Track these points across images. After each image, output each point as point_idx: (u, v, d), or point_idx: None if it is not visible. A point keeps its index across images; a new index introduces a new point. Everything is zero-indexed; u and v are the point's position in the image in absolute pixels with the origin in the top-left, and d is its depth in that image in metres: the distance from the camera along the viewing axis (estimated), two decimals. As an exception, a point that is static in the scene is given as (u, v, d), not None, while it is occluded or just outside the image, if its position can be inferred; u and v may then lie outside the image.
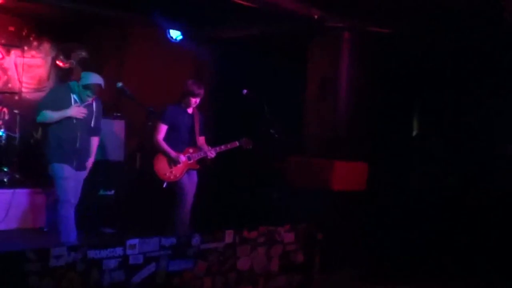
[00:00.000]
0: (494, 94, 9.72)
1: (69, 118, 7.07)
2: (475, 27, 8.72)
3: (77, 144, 7.16)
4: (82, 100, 7.16)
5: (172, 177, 7.93)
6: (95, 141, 7.58)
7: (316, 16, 8.63)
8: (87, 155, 7.42)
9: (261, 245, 6.85)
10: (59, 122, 7.06)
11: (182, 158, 7.95)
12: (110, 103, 7.59)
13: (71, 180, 7.13)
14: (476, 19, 8.44)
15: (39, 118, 7.11)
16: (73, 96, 7.13)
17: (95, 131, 7.51)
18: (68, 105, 7.08)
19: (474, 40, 9.11)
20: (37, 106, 7.18)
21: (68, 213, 7.07)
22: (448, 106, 10.17)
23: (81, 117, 7.11)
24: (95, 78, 7.18)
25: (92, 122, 7.36)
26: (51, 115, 7.03)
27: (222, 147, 8.24)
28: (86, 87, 7.09)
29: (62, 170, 7.08)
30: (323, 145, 8.91)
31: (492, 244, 8.93)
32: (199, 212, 8.23)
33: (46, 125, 7.19)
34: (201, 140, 8.21)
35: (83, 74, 7.28)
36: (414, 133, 10.97)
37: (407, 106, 10.86)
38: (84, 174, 7.44)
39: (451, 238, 9.13)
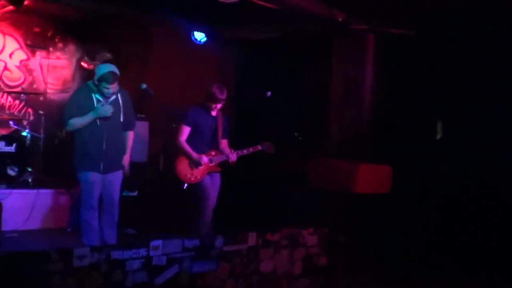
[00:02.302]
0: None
1: (100, 125, 6.89)
2: (499, 29, 8.66)
3: (104, 146, 6.95)
4: (104, 96, 6.93)
5: (193, 179, 7.91)
6: (130, 136, 7.37)
7: (340, 19, 8.61)
8: (117, 154, 7.19)
9: (284, 247, 6.83)
10: (89, 128, 6.89)
11: (204, 160, 7.92)
12: (134, 105, 7.48)
13: (96, 185, 7.00)
14: (501, 22, 8.39)
15: (69, 128, 6.96)
16: (95, 96, 6.92)
17: (128, 125, 7.28)
18: (91, 106, 6.89)
19: (497, 42, 9.04)
20: (63, 116, 6.96)
21: (90, 217, 7.01)
22: (471, 108, 10.07)
23: (109, 115, 6.90)
24: (105, 67, 6.91)
25: (121, 117, 7.11)
26: (80, 121, 6.86)
27: (245, 151, 8.17)
28: (101, 79, 6.83)
29: (87, 177, 6.98)
30: (346, 146, 8.88)
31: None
32: (222, 214, 8.21)
33: (72, 132, 7.03)
34: (223, 143, 8.16)
35: (96, 70, 7.00)
36: (438, 136, 10.88)
37: (430, 108, 10.78)
38: (118, 175, 7.22)
39: (472, 241, 9.05)
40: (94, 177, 6.99)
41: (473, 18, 8.43)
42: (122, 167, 7.28)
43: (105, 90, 6.90)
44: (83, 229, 7.06)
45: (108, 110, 6.91)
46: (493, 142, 9.55)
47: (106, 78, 6.84)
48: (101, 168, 7.01)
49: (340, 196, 8.44)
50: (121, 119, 7.13)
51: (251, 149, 8.20)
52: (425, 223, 9.21)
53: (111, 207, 7.18)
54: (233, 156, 8.05)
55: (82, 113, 6.87)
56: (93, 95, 6.95)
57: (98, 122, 6.91)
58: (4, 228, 8.52)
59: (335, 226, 7.36)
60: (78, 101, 6.97)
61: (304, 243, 7.03)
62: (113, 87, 6.93)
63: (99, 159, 6.98)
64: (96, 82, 6.90)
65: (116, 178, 7.21)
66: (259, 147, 8.23)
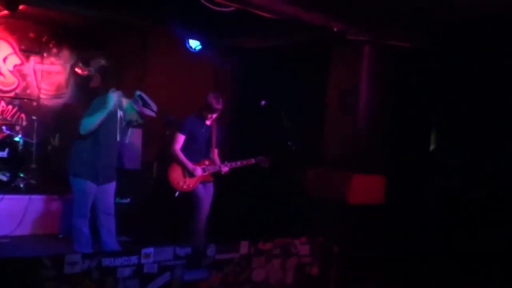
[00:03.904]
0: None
1: (105, 135, 6.88)
2: (497, 44, 8.68)
3: (106, 160, 6.99)
4: (126, 120, 7.02)
5: (185, 187, 7.91)
6: None
7: (335, 29, 8.61)
8: (113, 167, 7.21)
9: (276, 256, 6.81)
10: (95, 137, 6.84)
11: (198, 171, 7.94)
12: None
13: (91, 195, 6.96)
14: (498, 36, 8.42)
15: (83, 128, 6.78)
16: (120, 113, 6.95)
17: None
18: (113, 121, 6.89)
19: (495, 56, 9.06)
20: (80, 120, 6.85)
21: (82, 225, 6.95)
22: (466, 120, 10.10)
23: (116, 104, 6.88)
24: (154, 108, 7.08)
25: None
26: (93, 120, 6.72)
27: (238, 163, 8.18)
28: (140, 114, 7.01)
29: (83, 185, 6.92)
30: (342, 157, 8.87)
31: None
32: (215, 222, 8.20)
33: (82, 137, 6.87)
34: (215, 152, 8.18)
35: (139, 96, 7.05)
36: (431, 147, 10.91)
37: (425, 120, 10.80)
38: (113, 184, 7.20)
39: (470, 251, 9.05)
40: (90, 187, 6.94)
41: (470, 28, 8.45)
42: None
43: (134, 121, 7.13)
44: (75, 236, 7.04)
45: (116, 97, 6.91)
46: (490, 150, 9.57)
47: (144, 118, 7.09)
48: (99, 180, 6.98)
49: (335, 205, 8.43)
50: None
51: (244, 162, 8.21)
52: (420, 233, 9.20)
53: (109, 217, 7.15)
54: (225, 168, 8.07)
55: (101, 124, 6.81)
56: (118, 111, 6.98)
57: (106, 138, 6.90)
58: (-5, 234, 8.53)
59: (330, 235, 7.35)
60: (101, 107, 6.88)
61: (296, 252, 7.01)
62: None
63: (99, 171, 6.96)
64: (135, 111, 7.00)
65: (111, 187, 7.20)
66: (253, 161, 8.24)
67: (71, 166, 6.99)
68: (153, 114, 7.07)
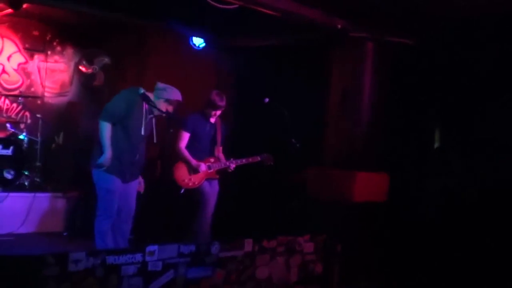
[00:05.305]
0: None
1: (131, 129, 6.72)
2: (499, 41, 8.66)
3: (137, 156, 6.87)
4: (153, 112, 6.86)
5: (190, 184, 7.90)
6: None
7: (339, 26, 8.59)
8: (140, 166, 7.06)
9: (280, 254, 6.82)
10: (125, 132, 6.70)
11: (203, 167, 7.93)
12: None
13: (117, 194, 6.77)
14: (500, 33, 8.41)
15: (100, 126, 6.61)
16: (145, 106, 6.78)
17: None
18: (139, 115, 6.73)
19: (497, 54, 9.04)
20: (104, 108, 6.72)
21: (103, 228, 6.73)
22: (469, 118, 10.07)
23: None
24: (176, 94, 6.97)
25: (154, 138, 7.04)
26: (103, 138, 6.57)
27: (244, 160, 8.19)
28: (170, 102, 6.90)
29: (110, 183, 6.72)
30: (343, 156, 8.85)
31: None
32: (219, 220, 8.20)
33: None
34: (220, 150, 8.18)
35: (161, 86, 6.97)
36: (436, 145, 10.89)
37: (427, 118, 10.78)
38: (136, 182, 7.07)
39: (470, 252, 9.04)
40: (117, 184, 6.78)
41: (472, 27, 8.45)
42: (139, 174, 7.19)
43: (163, 112, 6.91)
44: (96, 239, 6.77)
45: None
46: (493, 149, 9.55)
47: (173, 105, 6.94)
48: (126, 177, 6.86)
49: (338, 204, 8.42)
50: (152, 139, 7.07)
51: (250, 159, 8.22)
52: (423, 232, 9.20)
53: (128, 217, 7.04)
54: (231, 165, 8.07)
55: (125, 116, 6.69)
56: (144, 104, 6.83)
57: (142, 133, 6.81)
58: (-1, 231, 8.54)
59: (333, 234, 7.34)
60: (127, 103, 6.76)
61: (300, 250, 7.02)
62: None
63: (127, 169, 6.84)
64: (157, 99, 6.88)
65: (135, 185, 7.08)
66: (258, 158, 8.25)
67: (95, 160, 6.75)
68: (181, 98, 7.01)
